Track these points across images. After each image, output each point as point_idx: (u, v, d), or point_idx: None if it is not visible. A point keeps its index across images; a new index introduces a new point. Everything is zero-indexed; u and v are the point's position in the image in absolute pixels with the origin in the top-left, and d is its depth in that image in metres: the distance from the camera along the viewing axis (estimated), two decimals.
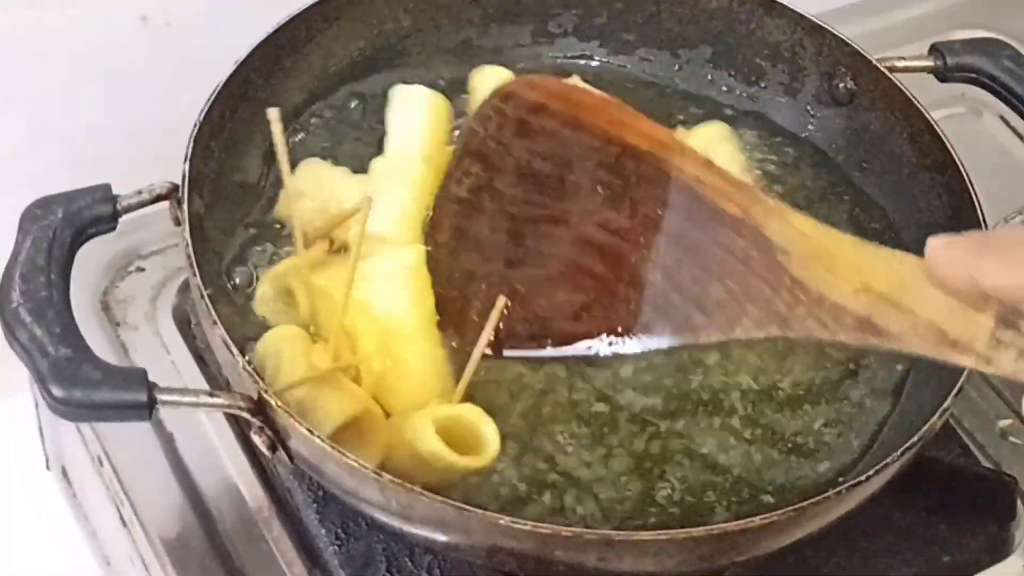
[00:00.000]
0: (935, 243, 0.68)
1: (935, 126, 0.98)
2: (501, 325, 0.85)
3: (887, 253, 0.75)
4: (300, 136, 1.00)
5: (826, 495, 0.81)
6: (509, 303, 0.85)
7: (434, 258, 0.90)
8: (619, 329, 0.84)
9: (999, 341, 0.69)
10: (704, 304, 0.80)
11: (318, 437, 0.78)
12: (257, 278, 0.92)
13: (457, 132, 0.99)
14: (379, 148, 0.99)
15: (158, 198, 0.88)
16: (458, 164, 0.91)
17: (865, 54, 1.02)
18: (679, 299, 0.81)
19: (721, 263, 0.79)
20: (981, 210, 0.93)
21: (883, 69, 1.01)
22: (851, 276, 0.73)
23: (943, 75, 1.04)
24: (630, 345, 0.84)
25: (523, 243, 0.87)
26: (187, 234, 0.86)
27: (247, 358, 0.83)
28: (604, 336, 0.84)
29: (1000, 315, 0.69)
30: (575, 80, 1.01)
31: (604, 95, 0.93)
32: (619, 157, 0.84)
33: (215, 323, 0.83)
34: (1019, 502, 0.96)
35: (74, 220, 0.85)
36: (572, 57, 1.08)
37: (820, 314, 0.74)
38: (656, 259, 0.82)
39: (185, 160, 0.88)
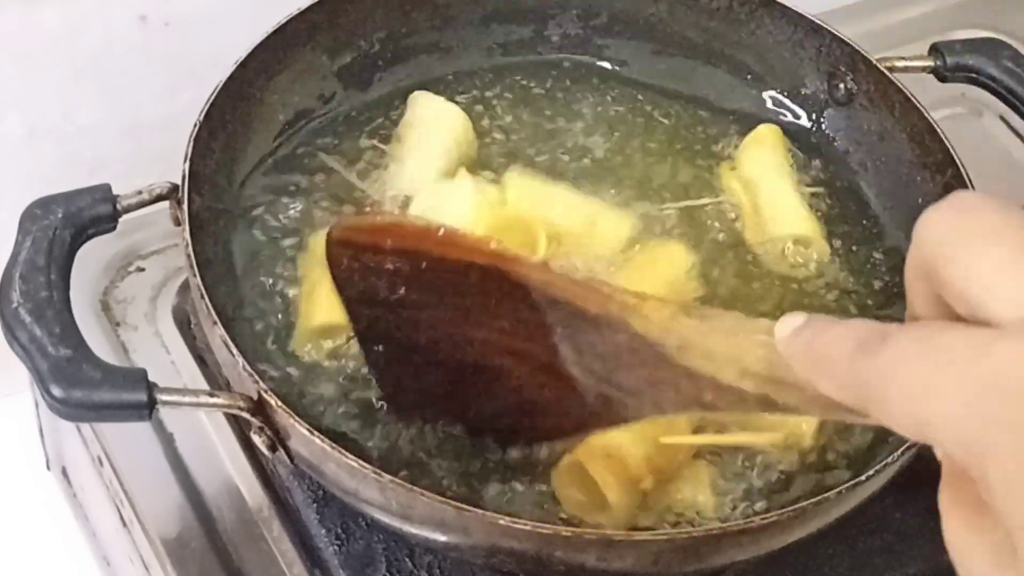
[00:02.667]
0: (782, 330, 0.61)
1: (935, 126, 0.98)
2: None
3: (749, 332, 0.66)
4: (300, 136, 1.00)
5: (826, 495, 0.81)
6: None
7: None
8: (573, 426, 0.80)
9: None
10: (627, 391, 0.74)
11: (318, 437, 0.78)
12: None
13: None
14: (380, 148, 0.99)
15: (158, 198, 0.88)
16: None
17: (865, 54, 1.02)
18: (608, 388, 0.75)
19: (616, 357, 0.74)
20: None
21: (883, 69, 1.01)
22: (727, 362, 0.67)
23: (943, 75, 1.04)
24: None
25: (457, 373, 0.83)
26: (187, 234, 0.86)
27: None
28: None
29: None
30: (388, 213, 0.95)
31: (419, 220, 0.85)
32: (469, 276, 0.78)
33: (215, 323, 0.83)
34: None
35: (74, 220, 0.85)
36: (572, 56, 1.08)
37: (725, 395, 0.67)
38: (565, 360, 0.77)
39: (185, 160, 0.88)
